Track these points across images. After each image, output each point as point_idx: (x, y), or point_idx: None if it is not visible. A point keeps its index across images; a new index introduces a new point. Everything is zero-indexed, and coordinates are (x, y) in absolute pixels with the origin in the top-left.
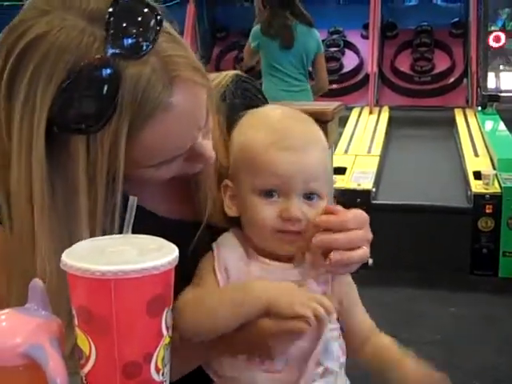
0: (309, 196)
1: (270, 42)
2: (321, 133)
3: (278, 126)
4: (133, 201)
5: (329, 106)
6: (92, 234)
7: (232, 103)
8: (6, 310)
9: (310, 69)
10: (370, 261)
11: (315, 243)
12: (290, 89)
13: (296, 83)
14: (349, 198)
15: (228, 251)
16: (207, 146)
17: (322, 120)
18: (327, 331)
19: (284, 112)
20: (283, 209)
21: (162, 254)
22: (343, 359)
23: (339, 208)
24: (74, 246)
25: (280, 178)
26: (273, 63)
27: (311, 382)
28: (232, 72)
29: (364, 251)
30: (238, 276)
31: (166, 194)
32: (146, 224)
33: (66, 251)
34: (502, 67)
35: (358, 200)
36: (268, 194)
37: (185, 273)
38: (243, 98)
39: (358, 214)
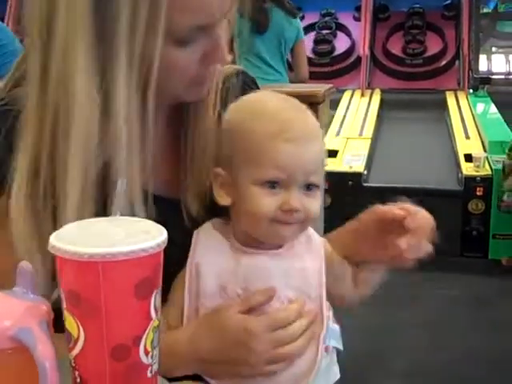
0: (308, 187)
1: (244, 25)
2: (318, 123)
3: (280, 117)
4: (122, 183)
5: (320, 88)
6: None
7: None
8: None
9: (290, 59)
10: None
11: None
12: (264, 77)
13: (271, 71)
14: (340, 181)
15: (205, 245)
16: (224, 43)
17: (313, 102)
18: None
19: (281, 100)
20: (284, 201)
21: (150, 236)
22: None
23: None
24: (61, 228)
25: (283, 171)
26: (247, 48)
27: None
28: (235, 66)
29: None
30: (209, 270)
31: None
32: None
33: (54, 234)
34: (493, 49)
35: (350, 183)
36: (270, 185)
37: (174, 256)
38: (242, 89)
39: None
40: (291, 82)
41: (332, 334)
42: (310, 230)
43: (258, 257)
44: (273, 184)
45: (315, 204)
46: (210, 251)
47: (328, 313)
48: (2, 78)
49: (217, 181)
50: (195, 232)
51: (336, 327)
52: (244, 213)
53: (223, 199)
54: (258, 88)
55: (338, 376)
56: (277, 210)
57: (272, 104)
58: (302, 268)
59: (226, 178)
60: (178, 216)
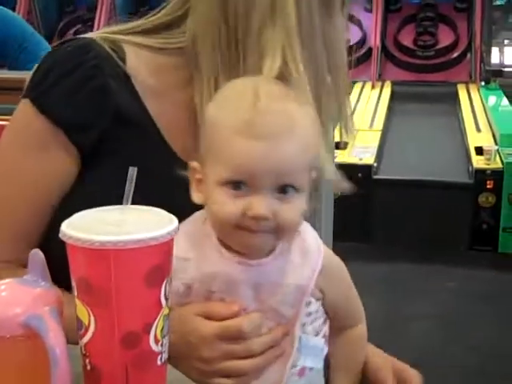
0: (283, 189)
1: None
2: (304, 112)
3: (252, 107)
4: (132, 171)
5: None
6: None
7: None
8: (6, 281)
9: None
10: None
11: None
12: None
13: None
14: (350, 173)
15: (187, 238)
16: None
17: None
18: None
19: (265, 86)
20: (248, 205)
21: (161, 224)
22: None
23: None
24: (72, 216)
25: (247, 172)
26: None
27: None
28: None
29: None
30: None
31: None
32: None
33: (66, 222)
34: (506, 42)
35: (360, 175)
36: (233, 186)
37: None
38: None
39: None
40: None
41: (311, 352)
42: (310, 242)
43: (231, 264)
44: (237, 185)
45: (292, 211)
46: (192, 246)
47: (299, 333)
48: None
49: (192, 176)
50: (183, 223)
51: (319, 343)
52: (210, 214)
53: (196, 196)
54: None
55: None
56: (241, 216)
57: (251, 89)
58: (278, 284)
59: (199, 175)
60: None
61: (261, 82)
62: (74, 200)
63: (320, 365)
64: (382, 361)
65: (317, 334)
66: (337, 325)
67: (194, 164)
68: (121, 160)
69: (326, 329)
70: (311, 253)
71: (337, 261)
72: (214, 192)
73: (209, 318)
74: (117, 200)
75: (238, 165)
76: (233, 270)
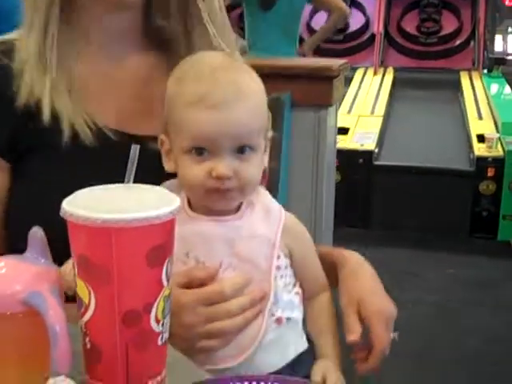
0: (241, 150)
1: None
2: (252, 80)
3: (205, 79)
4: (135, 150)
5: (334, 61)
6: None
7: None
8: (6, 258)
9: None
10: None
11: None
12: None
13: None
14: (351, 159)
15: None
16: None
17: (327, 76)
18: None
19: (220, 60)
20: (212, 167)
21: (163, 203)
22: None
23: None
24: (74, 194)
25: (205, 140)
26: (253, 27)
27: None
28: None
29: None
30: None
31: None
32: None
33: (66, 200)
34: (509, 30)
35: (361, 160)
36: (197, 152)
37: None
38: None
39: None
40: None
41: (288, 305)
42: (270, 202)
43: (203, 223)
44: (200, 151)
45: (251, 169)
46: None
47: (275, 283)
48: None
49: (163, 147)
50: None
51: (297, 300)
52: (181, 181)
53: (168, 166)
54: None
55: (304, 346)
56: (207, 178)
57: (207, 63)
58: (250, 236)
59: (168, 145)
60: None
61: (214, 56)
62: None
63: (298, 316)
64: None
65: (288, 293)
66: (306, 289)
67: (161, 136)
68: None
69: (296, 290)
70: (273, 210)
71: (300, 226)
72: (180, 159)
73: (189, 285)
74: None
75: (197, 133)
76: (206, 228)
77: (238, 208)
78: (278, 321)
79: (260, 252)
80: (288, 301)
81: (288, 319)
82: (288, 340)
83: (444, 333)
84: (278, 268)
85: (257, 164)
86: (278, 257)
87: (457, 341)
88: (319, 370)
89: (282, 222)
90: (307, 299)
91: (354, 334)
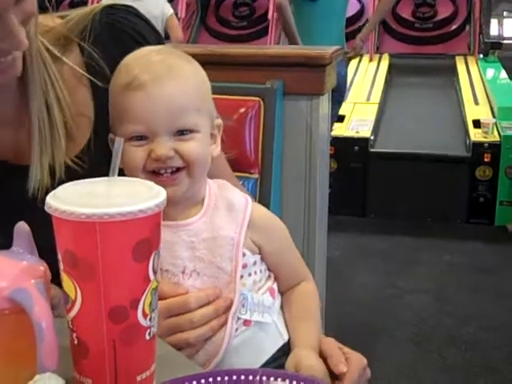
0: (181, 132)
1: None
2: (192, 65)
3: (137, 63)
4: (119, 142)
5: (327, 49)
6: None
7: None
8: None
9: None
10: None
11: None
12: None
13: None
14: (347, 146)
15: None
16: (19, 28)
17: (319, 64)
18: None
19: (158, 48)
20: (151, 150)
21: (149, 196)
22: (274, 304)
23: None
24: (58, 188)
25: (140, 123)
26: (300, 19)
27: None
28: (101, 5)
29: None
30: None
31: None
32: None
33: (51, 194)
34: (505, 14)
35: (356, 148)
36: (137, 138)
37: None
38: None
39: None
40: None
41: (257, 307)
42: (234, 197)
43: (163, 229)
44: (140, 137)
45: (192, 146)
46: None
47: (242, 283)
48: None
49: (113, 146)
50: None
51: (268, 300)
52: (125, 170)
53: (122, 163)
54: (129, 20)
55: (280, 343)
56: (149, 161)
57: (135, 55)
58: (212, 238)
59: None
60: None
61: (162, 48)
62: None
63: (268, 319)
64: (330, 347)
65: (259, 289)
66: (283, 284)
67: (110, 135)
68: None
69: (270, 284)
70: (237, 207)
71: (271, 219)
72: (124, 149)
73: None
74: None
75: (132, 116)
76: (167, 234)
77: (199, 210)
78: (247, 323)
79: (223, 253)
80: (257, 302)
81: (256, 321)
82: (261, 340)
83: (441, 319)
84: (245, 266)
85: (200, 144)
86: (244, 255)
87: (454, 327)
88: (290, 362)
89: (248, 218)
90: (284, 291)
91: (341, 364)
